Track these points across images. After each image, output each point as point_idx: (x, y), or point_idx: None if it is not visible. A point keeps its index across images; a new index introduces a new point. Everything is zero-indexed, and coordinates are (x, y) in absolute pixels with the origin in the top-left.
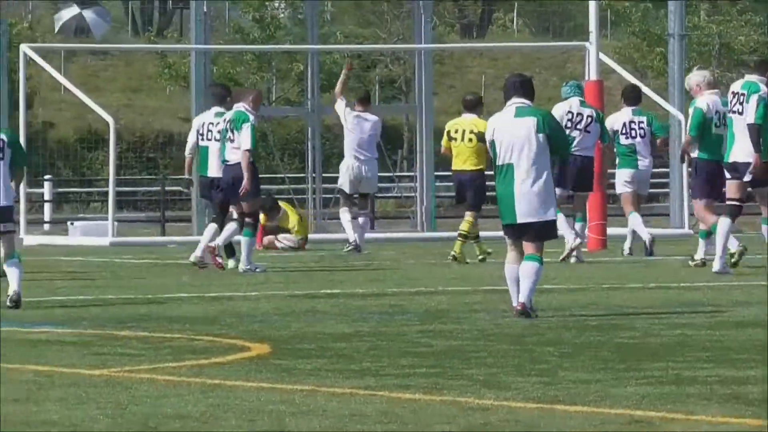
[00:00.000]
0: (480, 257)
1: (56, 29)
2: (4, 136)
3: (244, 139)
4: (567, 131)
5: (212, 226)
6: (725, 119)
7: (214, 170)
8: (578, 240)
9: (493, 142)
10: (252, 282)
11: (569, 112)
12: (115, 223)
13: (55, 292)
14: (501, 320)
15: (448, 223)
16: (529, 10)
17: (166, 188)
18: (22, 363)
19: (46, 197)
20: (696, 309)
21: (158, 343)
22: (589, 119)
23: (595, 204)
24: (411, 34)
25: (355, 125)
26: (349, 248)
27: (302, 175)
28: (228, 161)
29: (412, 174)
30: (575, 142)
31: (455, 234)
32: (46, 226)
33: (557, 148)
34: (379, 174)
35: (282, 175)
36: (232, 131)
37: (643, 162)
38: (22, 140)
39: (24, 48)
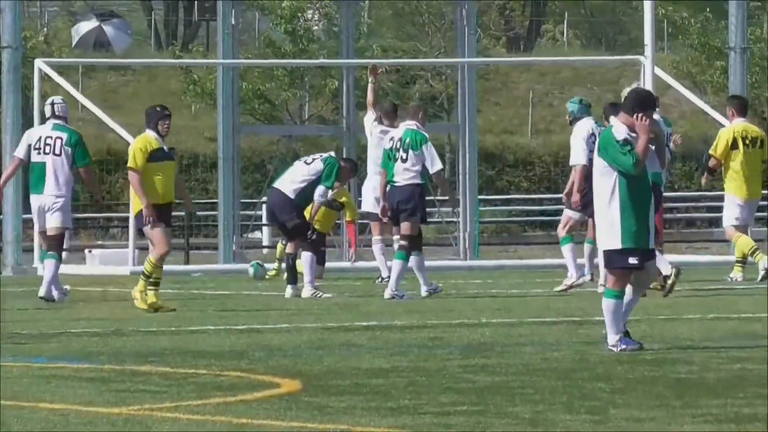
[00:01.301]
0: None
1: (74, 43)
2: (64, 134)
3: (434, 160)
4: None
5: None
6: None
7: None
8: (582, 278)
9: None
10: (283, 314)
11: (592, 134)
12: (136, 251)
13: (71, 325)
14: (548, 354)
15: (492, 250)
16: (580, 21)
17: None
18: (36, 401)
19: None
20: (757, 342)
21: (182, 379)
22: None
23: None
24: (453, 47)
25: (380, 140)
26: (381, 281)
27: None
28: (396, 182)
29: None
30: None
31: (500, 263)
32: (63, 254)
33: None
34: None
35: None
36: (405, 151)
37: None
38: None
39: (39, 63)
